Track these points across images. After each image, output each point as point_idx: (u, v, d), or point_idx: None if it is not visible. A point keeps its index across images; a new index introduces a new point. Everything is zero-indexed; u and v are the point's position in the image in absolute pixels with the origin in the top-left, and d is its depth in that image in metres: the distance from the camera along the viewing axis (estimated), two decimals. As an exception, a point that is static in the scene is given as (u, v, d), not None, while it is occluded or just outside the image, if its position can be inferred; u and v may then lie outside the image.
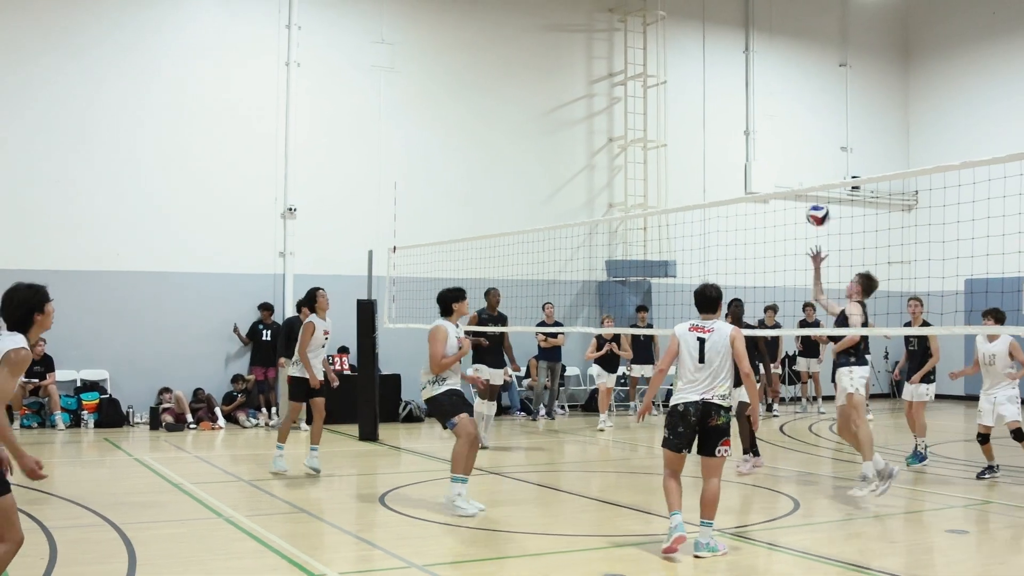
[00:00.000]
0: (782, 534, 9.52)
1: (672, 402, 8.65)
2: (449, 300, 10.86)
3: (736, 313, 13.86)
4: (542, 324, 19.22)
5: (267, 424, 18.81)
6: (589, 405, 21.86)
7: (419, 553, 8.42)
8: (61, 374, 18.12)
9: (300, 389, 13.02)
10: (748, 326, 13.04)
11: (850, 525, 10.01)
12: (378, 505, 10.79)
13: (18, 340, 6.09)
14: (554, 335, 19.71)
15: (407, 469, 14.13)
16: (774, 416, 20.64)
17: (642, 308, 20.48)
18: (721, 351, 8.54)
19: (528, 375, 21.17)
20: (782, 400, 22.84)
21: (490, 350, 15.72)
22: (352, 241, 19.58)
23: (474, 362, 15.58)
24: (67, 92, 18.78)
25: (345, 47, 21.05)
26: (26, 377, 17.45)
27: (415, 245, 17.41)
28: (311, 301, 13.51)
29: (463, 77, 22.15)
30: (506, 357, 16.37)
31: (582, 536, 9.27)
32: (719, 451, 8.48)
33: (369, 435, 16.72)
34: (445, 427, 10.51)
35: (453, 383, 10.46)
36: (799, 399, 22.96)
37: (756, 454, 13.27)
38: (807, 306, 20.91)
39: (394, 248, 17.30)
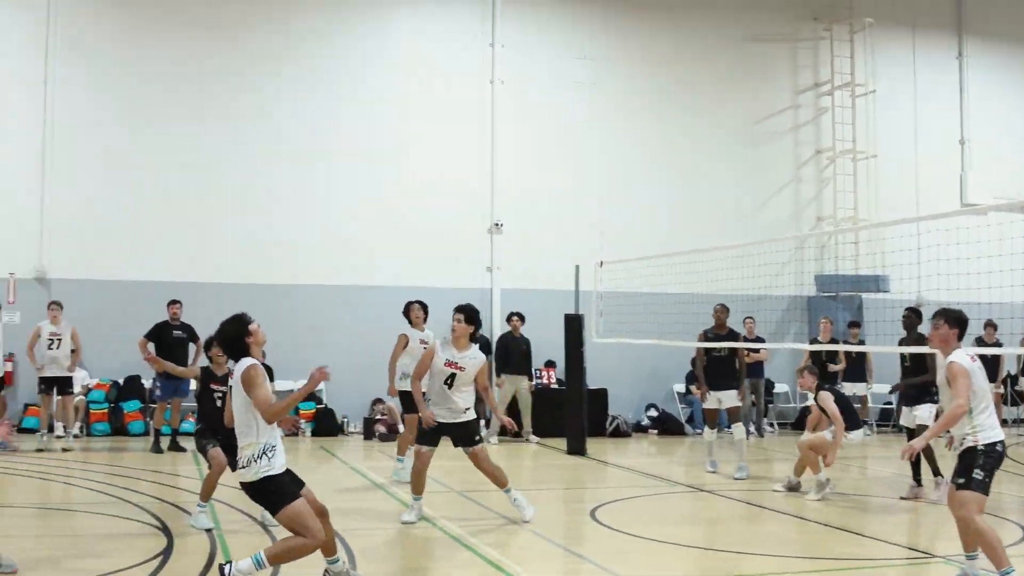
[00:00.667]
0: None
1: (991, 441, 7.60)
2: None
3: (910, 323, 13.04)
4: (744, 340, 18.93)
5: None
6: (799, 423, 21.47)
7: (633, 568, 8.44)
8: (280, 384, 18.71)
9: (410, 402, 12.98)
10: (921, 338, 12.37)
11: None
12: (588, 519, 10.86)
13: (248, 361, 7.15)
14: (756, 350, 19.39)
15: (615, 484, 14.17)
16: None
17: (854, 324, 19.99)
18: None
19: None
20: (1004, 422, 21.90)
21: (721, 371, 14.58)
22: (558, 255, 19.72)
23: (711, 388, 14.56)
24: (270, 109, 19.72)
25: (548, 64, 21.29)
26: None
27: (622, 260, 17.43)
28: (406, 314, 14.43)
29: (665, 91, 22.09)
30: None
31: (792, 558, 9.12)
32: None
33: (577, 449, 16.80)
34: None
35: None
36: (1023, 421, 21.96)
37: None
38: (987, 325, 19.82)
39: (600, 263, 17.37)
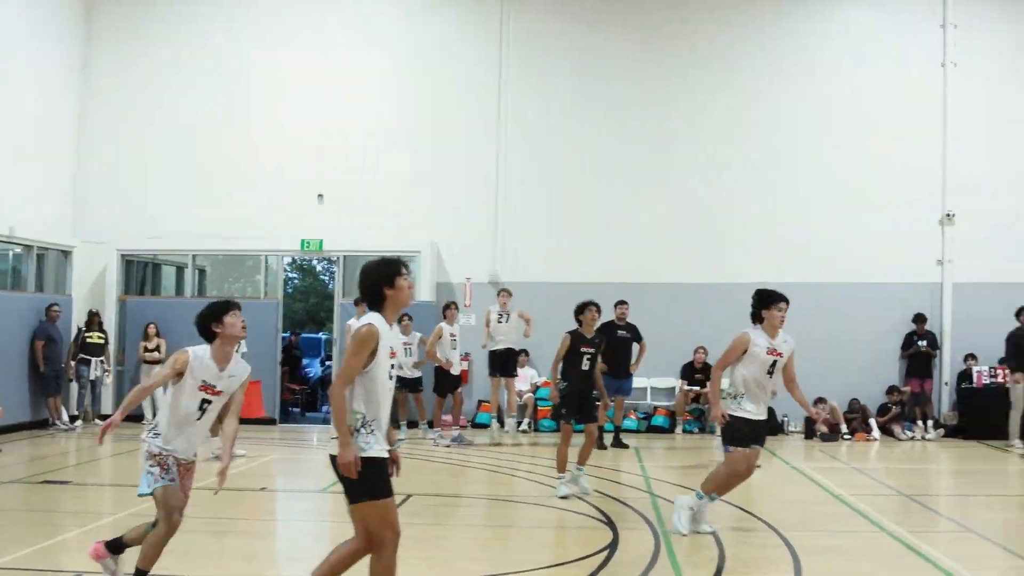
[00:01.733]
0: None
1: None
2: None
3: None
4: None
5: (923, 437, 18.21)
6: None
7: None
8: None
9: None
10: None
11: None
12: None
13: (367, 317, 5.99)
14: None
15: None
16: None
17: None
18: None
19: None
20: None
21: None
22: (1019, 246, 18.37)
23: None
24: (714, 107, 19.83)
25: (1007, 43, 19.75)
26: (688, 384, 18.41)
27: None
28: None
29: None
30: None
31: None
32: None
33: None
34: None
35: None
36: None
37: None
38: None
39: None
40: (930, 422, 18.57)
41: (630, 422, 18.35)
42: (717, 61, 19.85)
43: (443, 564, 8.47)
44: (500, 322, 17.08)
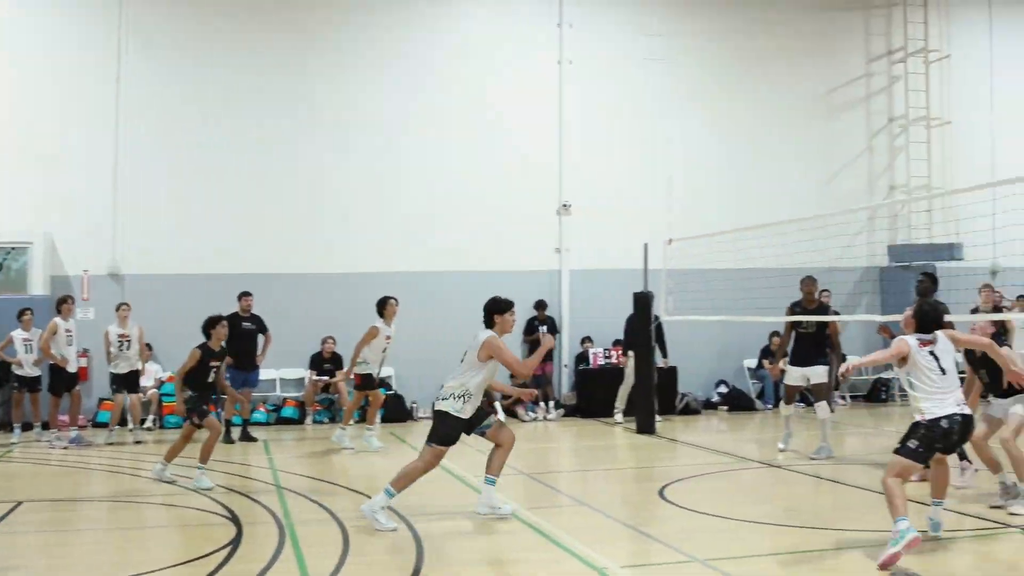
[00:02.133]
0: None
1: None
2: (492, 312, 10.09)
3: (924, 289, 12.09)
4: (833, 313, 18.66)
5: (545, 417, 19.08)
6: (872, 395, 21.22)
7: (703, 548, 8.32)
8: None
9: (367, 382, 15.17)
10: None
11: None
12: (658, 498, 10.73)
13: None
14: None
15: (686, 462, 13.99)
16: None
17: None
18: None
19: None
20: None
21: (809, 347, 14.07)
22: (627, 234, 19.48)
23: (790, 362, 14.18)
24: (345, 99, 19.80)
25: (615, 42, 21.06)
26: (317, 375, 18.39)
27: (690, 237, 17.21)
28: (381, 307, 15.02)
29: (735, 65, 21.78)
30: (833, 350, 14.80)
31: (865, 531, 8.90)
32: None
33: (646, 428, 16.65)
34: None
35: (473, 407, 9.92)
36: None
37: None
38: None
39: (670, 240, 17.17)
40: (551, 403, 19.48)
41: (259, 415, 18.16)
42: (337, 52, 19.85)
43: (62, 572, 8.11)
44: (122, 350, 16.13)
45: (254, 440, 16.07)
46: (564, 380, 20.25)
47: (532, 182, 20.33)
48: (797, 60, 22.15)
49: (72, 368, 15.98)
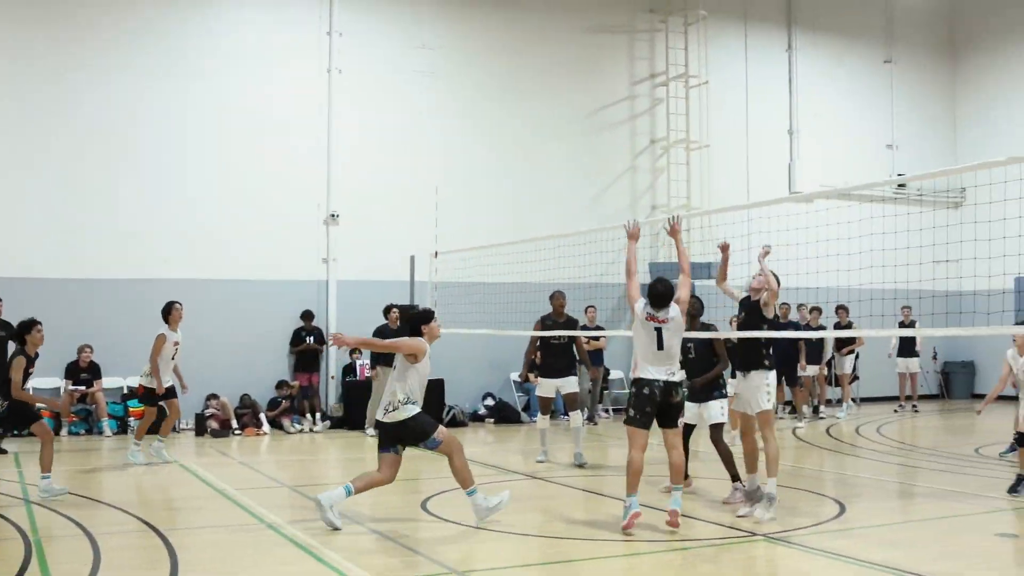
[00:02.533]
0: (827, 539, 9.37)
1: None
2: (418, 322, 10.16)
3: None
4: (584, 328, 19.12)
5: (311, 429, 18.90)
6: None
7: (462, 559, 8.39)
8: (108, 381, 18.31)
9: (149, 396, 14.59)
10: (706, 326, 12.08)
11: (898, 529, 9.89)
12: (420, 510, 10.77)
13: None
14: (596, 338, 19.67)
15: (450, 474, 14.00)
16: (820, 419, 20.43)
17: (685, 309, 20.41)
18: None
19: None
20: (828, 402, 22.60)
21: (560, 358, 14.43)
22: (395, 246, 19.59)
23: (541, 374, 14.57)
24: (110, 101, 19.05)
25: (386, 53, 21.11)
26: (73, 384, 17.67)
27: (457, 250, 17.39)
28: (166, 314, 14.62)
29: (504, 81, 22.14)
30: (582, 362, 15.20)
31: (622, 541, 9.17)
32: None
33: (413, 440, 16.64)
34: (429, 447, 10.00)
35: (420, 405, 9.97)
36: (840, 402, 22.63)
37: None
38: (840, 308, 20.55)
39: (435, 253, 17.29)
40: (317, 414, 19.32)
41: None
42: (108, 54, 19.10)
43: None
44: None
45: (4, 452, 15.32)
46: (331, 392, 20.10)
47: (300, 191, 20.13)
48: (566, 79, 22.69)
49: None
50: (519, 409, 20.68)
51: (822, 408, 21.24)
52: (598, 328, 19.39)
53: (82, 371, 18.09)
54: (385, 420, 9.78)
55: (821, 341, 20.40)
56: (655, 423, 9.67)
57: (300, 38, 20.47)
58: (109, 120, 18.99)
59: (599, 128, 23.05)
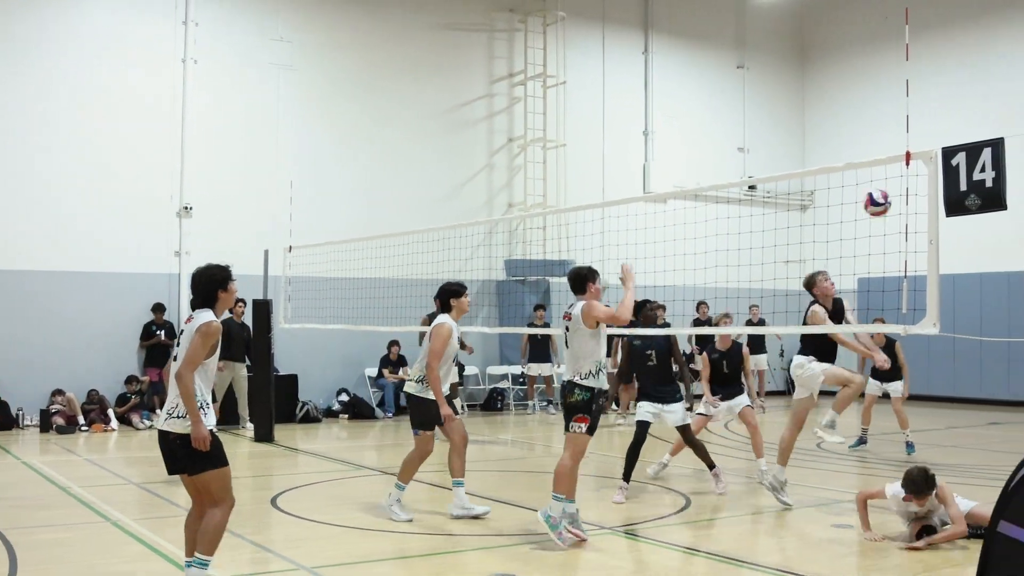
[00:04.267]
0: (671, 531, 9.60)
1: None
2: (448, 295, 10.32)
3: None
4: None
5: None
6: (487, 404, 21.97)
7: (310, 555, 8.37)
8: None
9: None
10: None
11: (738, 522, 10.17)
12: (270, 507, 10.69)
13: (208, 315, 6.93)
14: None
15: (303, 470, 13.99)
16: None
17: (540, 307, 20.65)
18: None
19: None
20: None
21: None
22: (248, 240, 19.30)
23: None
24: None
25: (242, 44, 20.83)
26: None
27: (311, 245, 17.27)
28: None
29: (362, 75, 22.04)
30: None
31: (477, 535, 9.26)
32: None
33: (265, 436, 16.53)
34: (415, 431, 10.10)
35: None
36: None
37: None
38: (701, 304, 21.18)
39: (290, 247, 17.14)
40: (170, 410, 18.97)
41: None
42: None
43: None
44: None
45: None
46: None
47: (152, 182, 19.73)
48: (423, 76, 22.70)
49: None
50: (373, 405, 20.62)
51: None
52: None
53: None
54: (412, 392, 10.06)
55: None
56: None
57: (156, 26, 20.01)
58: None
59: (457, 125, 23.13)
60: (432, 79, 22.82)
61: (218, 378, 17.47)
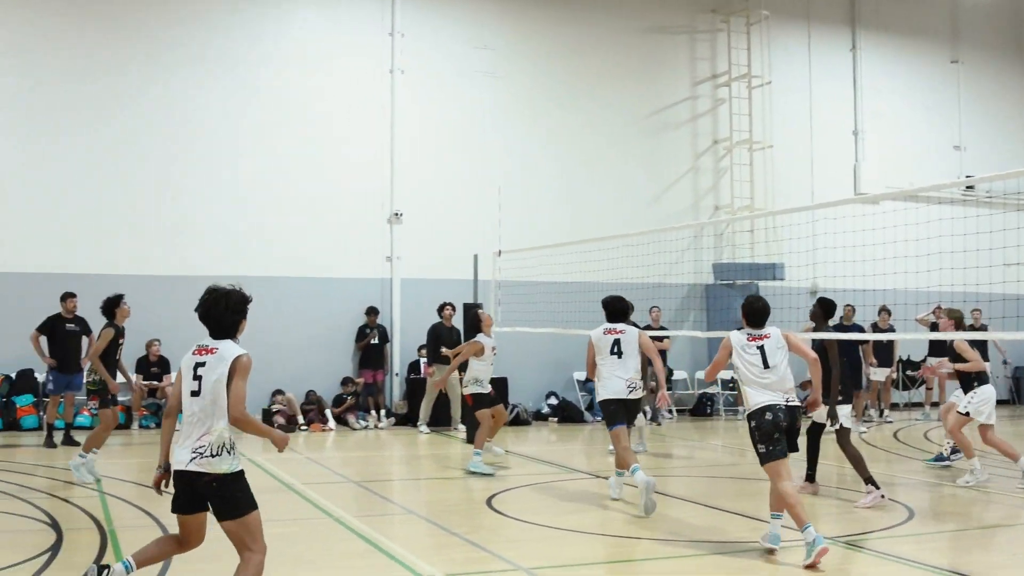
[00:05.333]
0: (897, 544, 9.34)
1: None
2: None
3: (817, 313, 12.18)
4: (648, 328, 19.12)
5: (376, 426, 19.07)
6: (696, 409, 21.78)
7: (526, 556, 8.46)
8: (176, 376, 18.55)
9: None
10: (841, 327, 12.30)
11: (966, 536, 9.83)
12: (485, 508, 10.85)
13: (236, 348, 6.41)
14: (660, 339, 19.63)
15: (515, 472, 14.13)
16: (887, 423, 20.24)
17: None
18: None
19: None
20: (894, 406, 22.38)
21: None
22: (458, 245, 19.69)
23: None
24: (169, 99, 19.36)
25: (448, 53, 21.24)
26: (144, 379, 17.97)
27: (520, 249, 17.45)
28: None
29: (565, 81, 22.18)
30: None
31: (692, 541, 9.20)
32: None
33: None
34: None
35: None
36: (920, 405, 22.45)
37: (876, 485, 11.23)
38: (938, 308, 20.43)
39: (499, 252, 17.38)
40: (382, 411, 19.50)
41: (83, 418, 17.60)
42: (172, 57, 19.38)
43: None
44: None
45: (77, 444, 15.61)
46: (396, 389, 20.27)
47: (364, 190, 20.31)
48: (627, 80, 22.69)
49: None
50: (582, 408, 20.69)
51: (886, 412, 21.00)
52: (662, 328, 19.35)
53: (152, 365, 18.41)
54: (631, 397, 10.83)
55: (891, 343, 20.21)
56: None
57: (362, 38, 20.66)
58: (174, 120, 19.28)
59: (660, 128, 23.02)
60: (635, 83, 22.79)
61: (430, 382, 17.94)
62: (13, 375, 18.03)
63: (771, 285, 21.16)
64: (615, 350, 10.82)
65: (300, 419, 18.54)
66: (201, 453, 6.10)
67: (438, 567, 8.05)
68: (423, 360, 19.79)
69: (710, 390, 21.94)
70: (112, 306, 12.57)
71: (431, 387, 18.26)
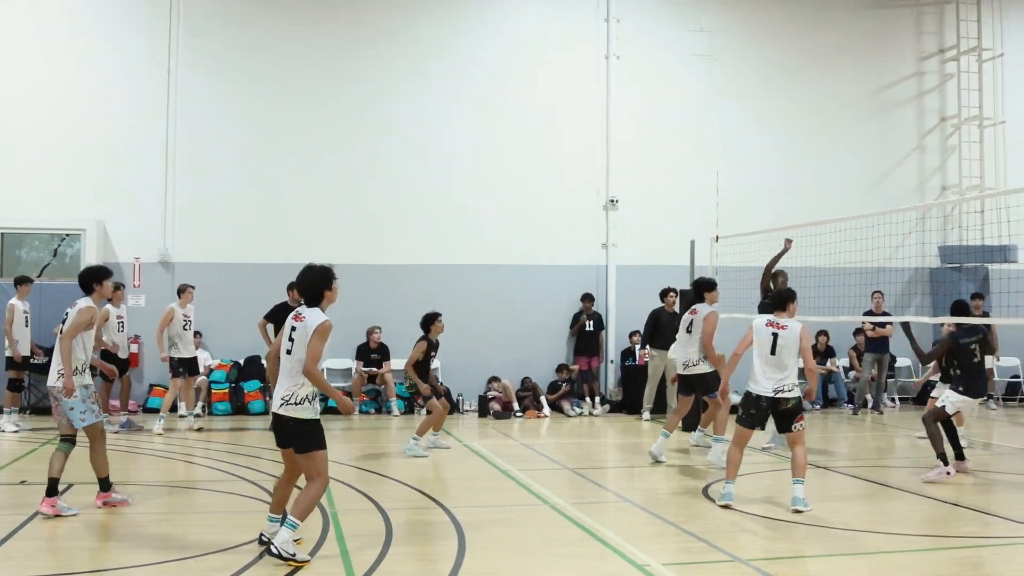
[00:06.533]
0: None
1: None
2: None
3: None
4: (869, 313, 18.55)
5: (591, 413, 19.10)
6: (921, 398, 20.98)
7: (744, 547, 8.32)
8: (396, 363, 18.99)
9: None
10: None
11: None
12: (701, 496, 10.72)
13: (320, 315, 7.85)
14: (882, 325, 19.01)
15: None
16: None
17: (978, 296, 19.43)
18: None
19: (851, 367, 20.51)
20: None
21: None
22: (674, 231, 19.47)
23: None
24: (389, 90, 19.96)
25: (664, 38, 21.09)
26: (365, 366, 18.47)
27: (737, 234, 17.15)
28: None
29: (783, 62, 21.70)
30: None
31: (915, 536, 8.88)
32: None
33: (691, 426, 16.56)
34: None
35: None
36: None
37: (946, 462, 11.75)
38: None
39: (716, 237, 17.13)
40: (597, 398, 19.52)
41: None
42: (388, 47, 19.92)
43: (107, 553, 8.26)
44: (186, 329, 16.05)
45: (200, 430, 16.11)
46: (610, 375, 20.26)
47: (579, 177, 20.39)
48: (847, 58, 22.02)
49: (123, 354, 16.13)
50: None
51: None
52: (884, 314, 18.72)
53: (372, 352, 18.90)
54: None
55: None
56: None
57: (578, 26, 20.72)
58: (397, 114, 19.92)
59: (883, 107, 22.24)
60: (855, 61, 22.07)
61: (652, 367, 17.85)
62: (241, 361, 18.86)
63: (1003, 268, 20.18)
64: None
65: (515, 406, 18.73)
66: (287, 400, 7.71)
67: (653, 556, 8.00)
68: (636, 347, 19.71)
69: (934, 378, 21.04)
70: (428, 322, 14.06)
71: (654, 372, 18.13)
